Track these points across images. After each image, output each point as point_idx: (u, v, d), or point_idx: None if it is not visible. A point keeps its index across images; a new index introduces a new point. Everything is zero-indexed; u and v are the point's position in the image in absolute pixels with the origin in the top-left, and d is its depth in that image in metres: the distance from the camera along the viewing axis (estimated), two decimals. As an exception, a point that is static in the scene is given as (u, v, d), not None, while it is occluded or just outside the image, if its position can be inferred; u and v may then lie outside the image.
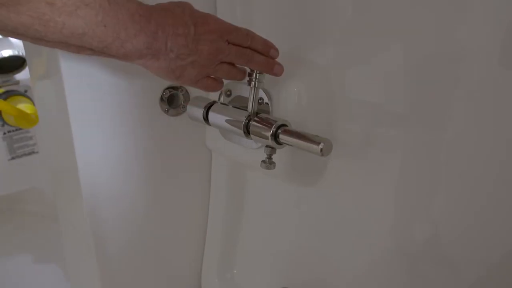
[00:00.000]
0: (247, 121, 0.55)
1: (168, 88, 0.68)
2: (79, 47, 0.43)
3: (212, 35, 0.48)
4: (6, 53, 1.29)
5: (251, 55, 0.52)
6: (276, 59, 0.54)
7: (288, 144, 0.52)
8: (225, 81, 0.64)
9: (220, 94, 0.64)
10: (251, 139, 0.55)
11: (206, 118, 0.60)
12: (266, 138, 0.52)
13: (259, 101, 0.59)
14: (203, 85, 0.53)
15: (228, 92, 0.64)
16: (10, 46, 1.31)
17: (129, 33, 0.43)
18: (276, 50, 0.54)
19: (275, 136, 0.52)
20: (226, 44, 0.50)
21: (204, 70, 0.51)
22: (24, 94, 1.37)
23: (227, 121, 0.57)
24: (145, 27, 0.44)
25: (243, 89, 0.61)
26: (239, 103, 0.61)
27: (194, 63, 0.49)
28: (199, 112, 0.60)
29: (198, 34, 0.47)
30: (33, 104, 1.35)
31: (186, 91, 0.70)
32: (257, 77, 0.54)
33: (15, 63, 1.34)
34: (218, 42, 0.49)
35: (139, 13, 0.43)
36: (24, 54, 1.30)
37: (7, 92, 1.34)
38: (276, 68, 0.53)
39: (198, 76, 0.51)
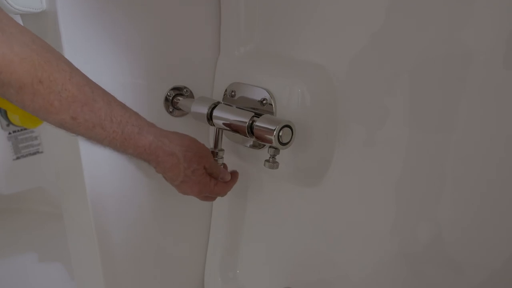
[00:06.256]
0: (250, 121, 0.55)
1: (172, 89, 0.68)
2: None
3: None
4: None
5: None
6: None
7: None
8: (228, 82, 0.65)
9: (224, 94, 0.65)
10: (255, 139, 0.55)
11: (210, 119, 0.60)
12: (270, 139, 0.53)
13: (263, 101, 0.59)
14: None
15: (232, 93, 0.64)
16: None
17: None
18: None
19: (278, 137, 0.52)
20: None
21: None
22: (29, 94, 1.38)
23: (231, 121, 0.57)
24: None
25: (247, 90, 0.62)
26: (243, 104, 0.62)
27: None
28: (203, 113, 0.60)
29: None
30: (38, 104, 1.35)
31: (191, 92, 0.70)
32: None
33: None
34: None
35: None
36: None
37: (12, 92, 1.35)
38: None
39: None
